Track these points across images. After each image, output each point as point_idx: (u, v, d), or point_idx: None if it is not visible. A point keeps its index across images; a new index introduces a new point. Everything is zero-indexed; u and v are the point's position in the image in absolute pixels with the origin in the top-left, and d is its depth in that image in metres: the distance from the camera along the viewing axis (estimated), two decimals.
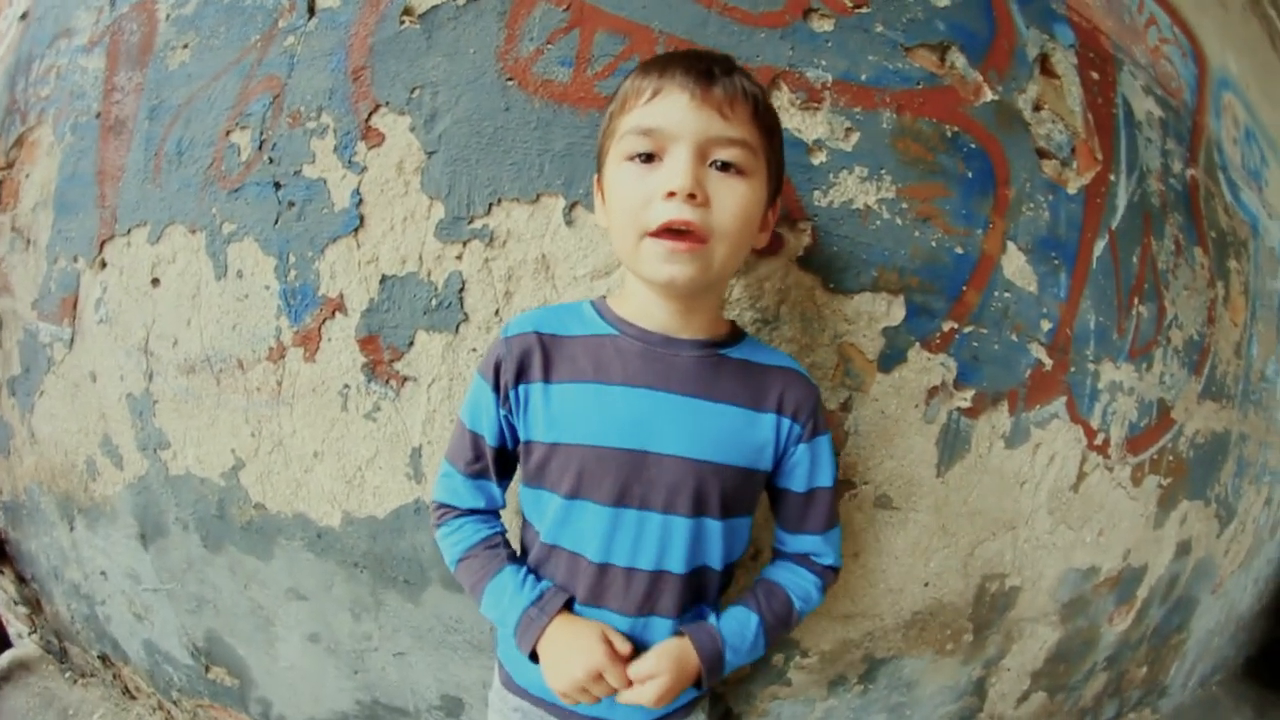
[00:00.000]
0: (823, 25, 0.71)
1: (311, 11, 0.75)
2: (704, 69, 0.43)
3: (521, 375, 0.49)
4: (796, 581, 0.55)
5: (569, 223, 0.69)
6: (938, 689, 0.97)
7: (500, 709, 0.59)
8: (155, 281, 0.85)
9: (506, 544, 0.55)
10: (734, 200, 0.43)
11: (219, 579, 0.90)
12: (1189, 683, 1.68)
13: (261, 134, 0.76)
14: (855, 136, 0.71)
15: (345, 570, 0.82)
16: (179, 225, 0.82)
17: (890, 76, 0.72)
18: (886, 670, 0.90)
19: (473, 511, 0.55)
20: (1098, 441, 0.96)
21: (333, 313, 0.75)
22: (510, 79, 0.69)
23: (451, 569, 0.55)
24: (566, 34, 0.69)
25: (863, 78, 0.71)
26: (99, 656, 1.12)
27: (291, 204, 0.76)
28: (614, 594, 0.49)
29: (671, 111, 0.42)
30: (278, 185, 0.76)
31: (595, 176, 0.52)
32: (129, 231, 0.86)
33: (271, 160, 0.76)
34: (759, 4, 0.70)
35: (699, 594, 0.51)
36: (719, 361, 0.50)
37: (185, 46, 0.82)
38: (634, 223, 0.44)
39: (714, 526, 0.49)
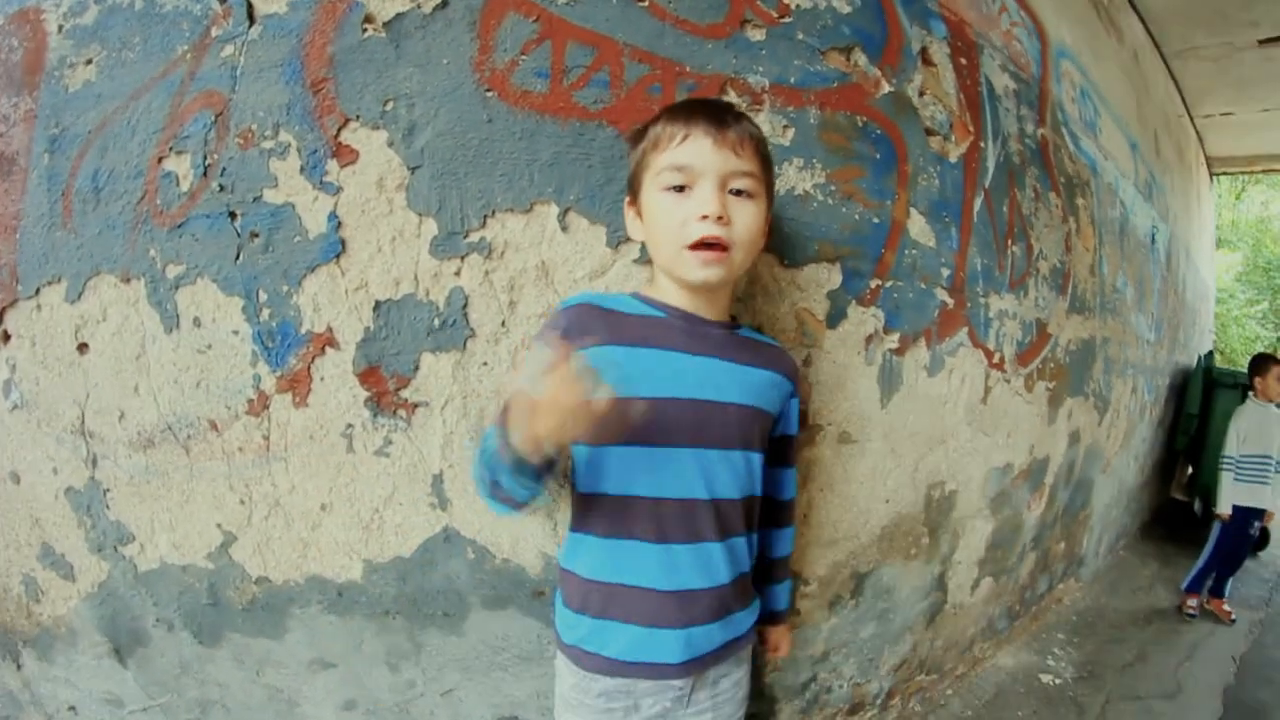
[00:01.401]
0: (756, 35, 0.97)
1: (251, 18, 0.80)
2: (719, 118, 0.66)
3: (585, 335, 0.66)
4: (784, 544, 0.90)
5: (564, 228, 0.88)
6: (910, 590, 1.36)
7: (579, 701, 0.71)
8: (82, 347, 0.85)
9: None
10: (747, 218, 0.67)
11: (224, 674, 0.92)
12: (1100, 550, 2.37)
13: (206, 158, 0.81)
14: (791, 132, 0.99)
15: (375, 622, 0.90)
16: (106, 275, 0.84)
17: (813, 78, 1.01)
18: (870, 582, 1.25)
19: None
20: (995, 360, 1.40)
21: (322, 349, 0.83)
22: (489, 90, 0.84)
23: (476, 469, 0.65)
24: (539, 45, 0.85)
25: (792, 80, 0.99)
26: None
27: (254, 235, 0.82)
28: (701, 522, 0.67)
29: (699, 153, 0.65)
30: (233, 215, 0.82)
31: (627, 199, 0.73)
32: (37, 292, 0.86)
33: (222, 187, 0.81)
34: (705, 16, 0.95)
35: (750, 518, 0.74)
36: (737, 338, 0.76)
37: (89, 62, 0.83)
38: (674, 239, 0.67)
39: (756, 459, 0.73)
